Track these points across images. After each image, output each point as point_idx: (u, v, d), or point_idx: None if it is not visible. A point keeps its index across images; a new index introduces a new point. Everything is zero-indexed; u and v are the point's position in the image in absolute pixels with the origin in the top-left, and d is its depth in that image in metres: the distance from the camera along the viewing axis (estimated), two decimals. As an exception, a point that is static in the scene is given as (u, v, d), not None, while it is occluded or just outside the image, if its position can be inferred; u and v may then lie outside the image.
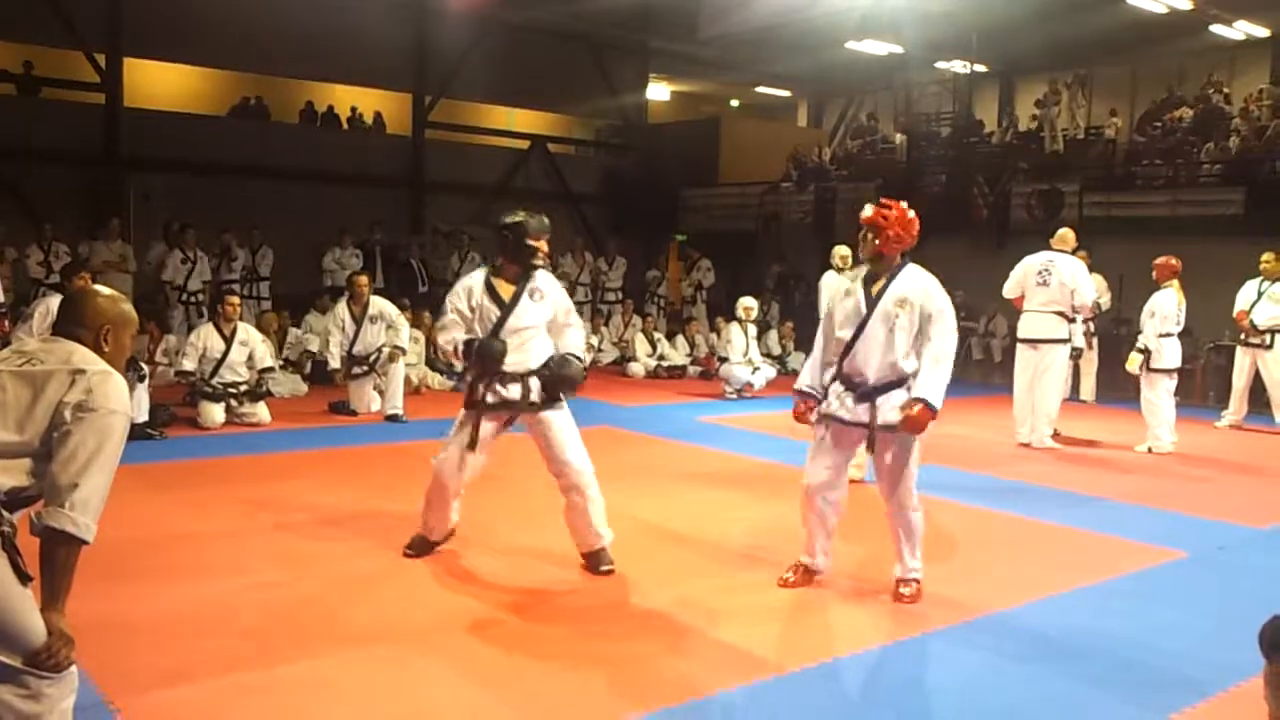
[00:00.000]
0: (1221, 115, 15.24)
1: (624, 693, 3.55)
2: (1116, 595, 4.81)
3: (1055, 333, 8.66)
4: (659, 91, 22.87)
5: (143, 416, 7.62)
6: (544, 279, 4.94)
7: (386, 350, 9.38)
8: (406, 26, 17.14)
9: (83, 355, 2.50)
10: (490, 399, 4.81)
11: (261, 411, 8.77)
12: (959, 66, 18.37)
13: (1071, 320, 8.81)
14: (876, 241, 4.48)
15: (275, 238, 13.57)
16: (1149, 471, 7.90)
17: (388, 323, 9.50)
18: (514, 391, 4.80)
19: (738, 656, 3.92)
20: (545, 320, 4.91)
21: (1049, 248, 8.77)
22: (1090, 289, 8.81)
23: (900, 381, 4.44)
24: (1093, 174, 15.25)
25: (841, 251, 11.86)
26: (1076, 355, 9.57)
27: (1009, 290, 8.90)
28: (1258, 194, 12.80)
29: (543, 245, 4.85)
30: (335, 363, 9.35)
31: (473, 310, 4.86)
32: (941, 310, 4.43)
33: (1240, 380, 9.95)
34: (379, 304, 9.61)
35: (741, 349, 11.42)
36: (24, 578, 2.35)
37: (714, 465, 7.64)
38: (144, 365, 8.17)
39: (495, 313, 4.82)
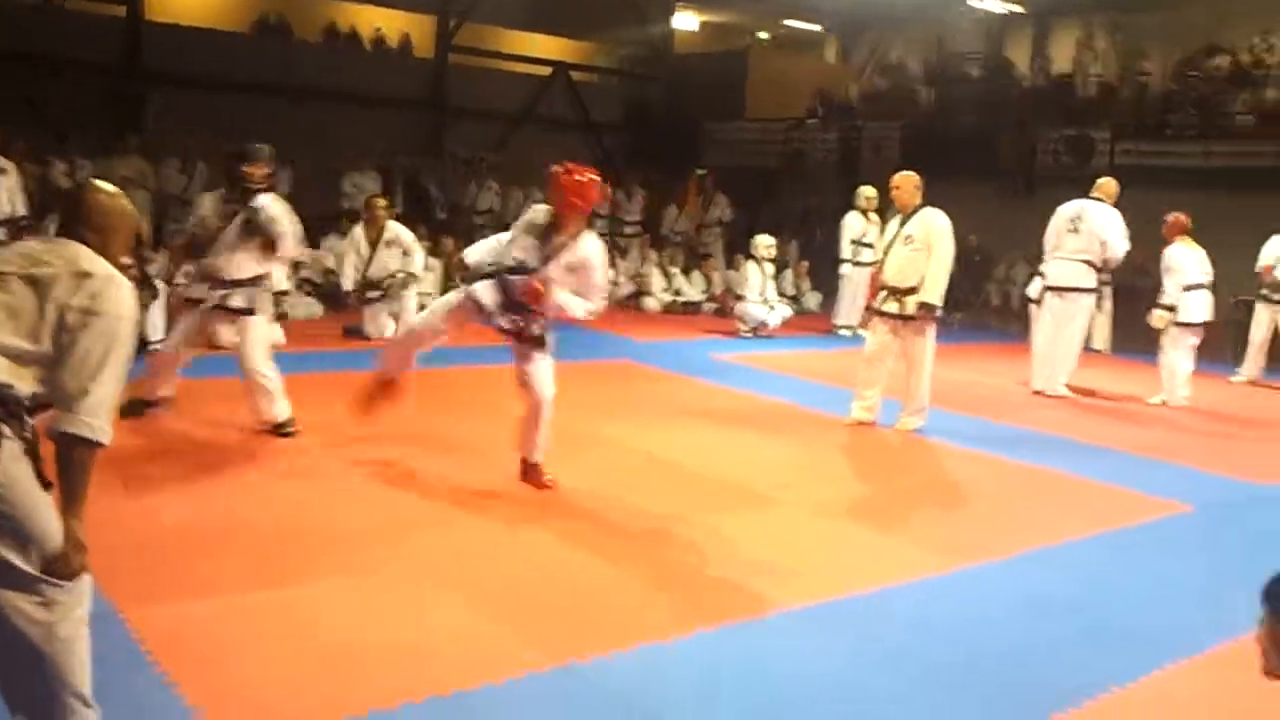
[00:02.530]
0: (1258, 64, 14.87)
1: (616, 624, 3.61)
2: (1119, 547, 4.83)
3: (1082, 281, 8.54)
4: (687, 21, 22.45)
5: (159, 335, 7.67)
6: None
7: (400, 276, 9.38)
8: (432, -54, 16.85)
9: (88, 258, 2.50)
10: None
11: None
12: (993, 6, 17.95)
13: (1100, 270, 8.68)
14: (559, 203, 4.76)
15: (294, 158, 13.47)
16: (1161, 424, 7.88)
17: (403, 248, 9.47)
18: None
19: (730, 591, 3.95)
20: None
21: (1086, 196, 8.65)
22: (1122, 241, 8.60)
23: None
24: (1124, 121, 14.96)
25: (867, 193, 11.75)
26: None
27: (1048, 241, 8.75)
28: (1293, 146, 12.53)
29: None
30: (348, 285, 9.39)
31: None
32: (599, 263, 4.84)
33: (1258, 335, 9.83)
34: (395, 229, 9.56)
35: (758, 287, 11.35)
36: (45, 484, 2.39)
37: (725, 403, 7.64)
38: (159, 283, 8.18)
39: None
